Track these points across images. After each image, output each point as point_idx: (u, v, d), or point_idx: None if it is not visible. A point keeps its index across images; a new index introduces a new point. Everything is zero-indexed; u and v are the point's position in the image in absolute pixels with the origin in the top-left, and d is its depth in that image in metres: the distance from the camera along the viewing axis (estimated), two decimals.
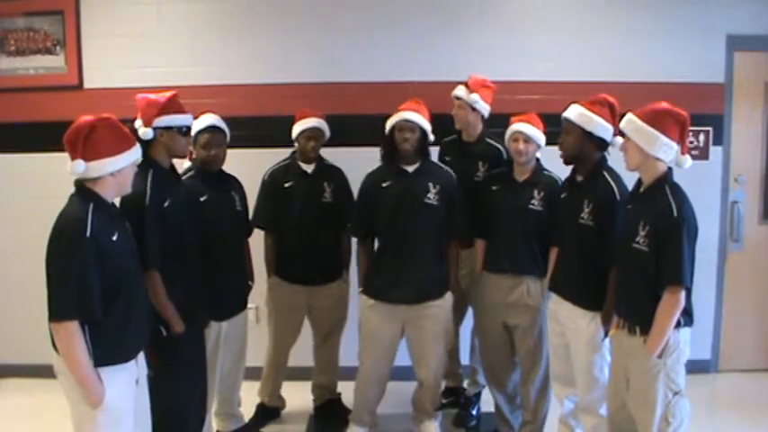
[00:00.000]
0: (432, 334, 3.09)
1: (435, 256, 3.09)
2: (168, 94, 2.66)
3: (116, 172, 2.16)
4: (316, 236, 3.33)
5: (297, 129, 3.34)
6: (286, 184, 3.34)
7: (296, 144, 3.38)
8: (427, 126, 3.02)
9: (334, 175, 3.42)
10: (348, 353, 3.45)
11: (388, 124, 3.05)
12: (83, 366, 2.04)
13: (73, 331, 2.03)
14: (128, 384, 2.20)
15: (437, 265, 3.09)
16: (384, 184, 3.06)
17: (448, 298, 3.12)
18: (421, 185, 3.04)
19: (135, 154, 2.25)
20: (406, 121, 2.98)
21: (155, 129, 2.58)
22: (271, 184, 3.35)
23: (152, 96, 2.64)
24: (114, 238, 2.13)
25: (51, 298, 2.05)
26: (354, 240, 3.28)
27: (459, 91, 3.31)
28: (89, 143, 2.11)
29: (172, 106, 2.63)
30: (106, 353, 2.10)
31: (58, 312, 2.03)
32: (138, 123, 2.59)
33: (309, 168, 3.37)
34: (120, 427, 2.14)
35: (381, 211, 3.04)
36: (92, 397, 2.07)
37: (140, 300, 2.27)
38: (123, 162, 2.18)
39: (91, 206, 2.10)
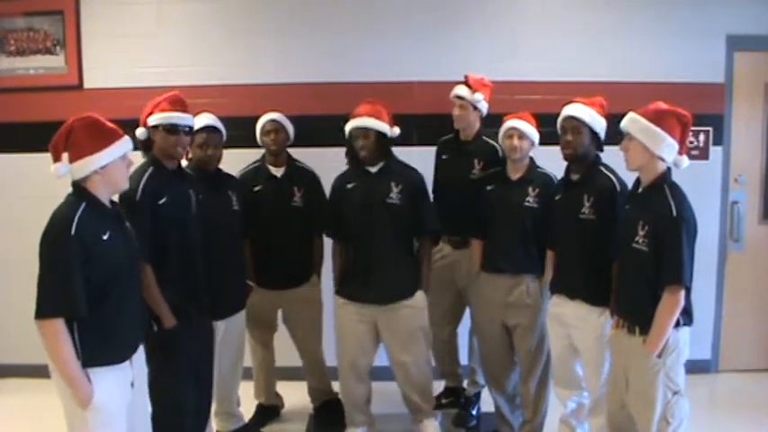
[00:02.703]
0: (405, 335, 3.08)
1: (405, 256, 3.10)
2: (168, 94, 2.68)
3: (100, 169, 2.12)
4: (285, 240, 3.30)
5: (257, 128, 3.34)
6: (255, 188, 3.31)
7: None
8: (382, 126, 2.98)
9: (305, 178, 3.38)
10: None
11: (346, 129, 3.04)
12: (68, 365, 2.02)
13: (57, 330, 2.00)
14: (120, 386, 2.16)
15: (407, 265, 3.10)
16: (349, 186, 3.08)
17: (419, 297, 3.10)
18: (383, 185, 3.04)
19: (119, 149, 2.17)
20: (356, 128, 2.98)
21: (148, 128, 2.62)
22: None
23: (158, 98, 2.67)
24: (105, 237, 2.10)
25: (37, 295, 2.03)
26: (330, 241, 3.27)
27: (462, 90, 3.29)
28: (69, 145, 2.11)
29: (161, 105, 2.64)
30: (96, 353, 2.08)
31: (41, 310, 2.02)
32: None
33: (279, 172, 3.35)
34: (111, 429, 2.12)
35: (347, 213, 3.07)
36: (79, 396, 2.05)
37: (134, 300, 2.24)
38: (106, 158, 2.13)
39: (83, 205, 2.08)
